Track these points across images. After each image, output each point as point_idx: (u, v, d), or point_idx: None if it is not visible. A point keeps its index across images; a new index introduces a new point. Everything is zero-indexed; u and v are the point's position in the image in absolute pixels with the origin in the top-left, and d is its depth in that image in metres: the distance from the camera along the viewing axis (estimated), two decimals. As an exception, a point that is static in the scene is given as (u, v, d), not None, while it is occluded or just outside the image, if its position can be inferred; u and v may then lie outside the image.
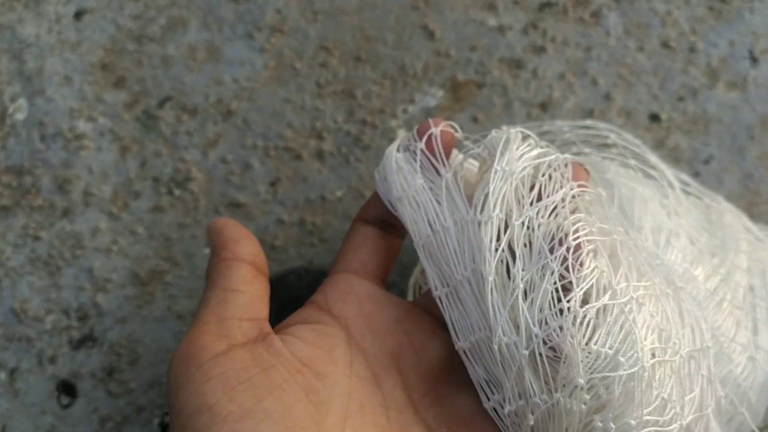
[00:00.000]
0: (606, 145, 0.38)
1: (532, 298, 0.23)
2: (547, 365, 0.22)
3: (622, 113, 0.42)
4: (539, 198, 0.25)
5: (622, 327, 0.22)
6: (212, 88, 0.42)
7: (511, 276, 0.23)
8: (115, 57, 0.43)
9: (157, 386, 0.41)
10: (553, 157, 0.26)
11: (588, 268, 0.23)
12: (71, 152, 0.42)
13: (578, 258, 0.23)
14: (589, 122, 0.37)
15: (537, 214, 0.24)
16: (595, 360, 0.22)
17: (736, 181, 0.42)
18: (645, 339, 0.23)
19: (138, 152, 0.42)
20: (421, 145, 0.27)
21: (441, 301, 0.26)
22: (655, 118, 0.42)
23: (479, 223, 0.24)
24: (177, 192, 0.42)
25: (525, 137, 0.27)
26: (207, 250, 0.42)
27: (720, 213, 0.35)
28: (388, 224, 0.29)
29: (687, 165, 0.42)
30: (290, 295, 0.37)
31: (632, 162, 0.34)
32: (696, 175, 0.42)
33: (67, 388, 0.41)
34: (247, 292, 0.26)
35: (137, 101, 0.42)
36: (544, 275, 0.23)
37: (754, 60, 0.42)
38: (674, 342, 0.23)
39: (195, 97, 0.42)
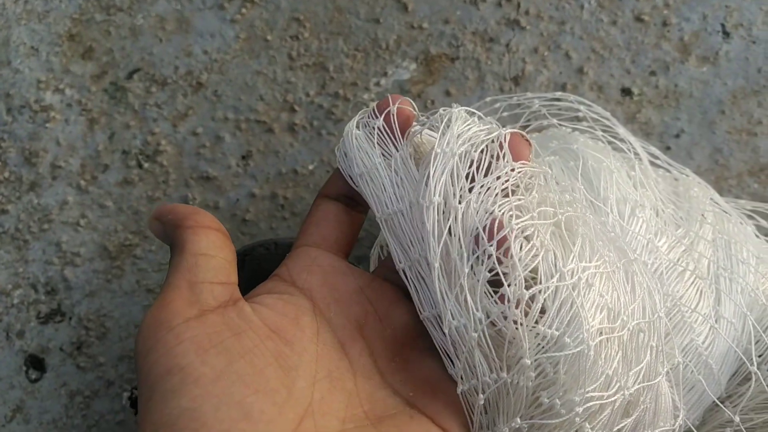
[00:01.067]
0: (577, 118, 0.38)
1: (473, 286, 0.23)
2: (492, 347, 0.23)
3: (595, 87, 0.42)
4: (475, 179, 0.25)
5: (571, 308, 0.22)
6: (182, 60, 0.42)
7: (452, 262, 0.23)
8: (82, 27, 0.42)
9: (126, 360, 0.41)
10: (494, 134, 0.25)
11: (521, 252, 0.23)
12: (38, 124, 0.41)
13: (505, 248, 0.23)
14: (559, 94, 0.36)
15: (474, 196, 0.24)
16: (542, 340, 0.22)
17: (706, 156, 0.42)
18: (593, 319, 0.23)
19: (106, 124, 0.42)
20: (380, 122, 0.27)
21: (404, 274, 0.26)
22: (627, 92, 0.42)
23: (423, 208, 0.24)
24: (146, 165, 0.42)
25: (470, 114, 0.27)
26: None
27: (687, 185, 0.35)
28: (350, 199, 0.29)
29: (658, 139, 0.42)
30: (260, 268, 0.37)
31: (600, 134, 0.34)
32: (667, 149, 0.42)
33: (36, 363, 0.41)
34: (218, 256, 0.25)
35: (105, 72, 0.42)
36: (483, 262, 0.23)
37: (726, 34, 0.42)
38: (623, 318, 0.24)
39: (164, 68, 0.42)
